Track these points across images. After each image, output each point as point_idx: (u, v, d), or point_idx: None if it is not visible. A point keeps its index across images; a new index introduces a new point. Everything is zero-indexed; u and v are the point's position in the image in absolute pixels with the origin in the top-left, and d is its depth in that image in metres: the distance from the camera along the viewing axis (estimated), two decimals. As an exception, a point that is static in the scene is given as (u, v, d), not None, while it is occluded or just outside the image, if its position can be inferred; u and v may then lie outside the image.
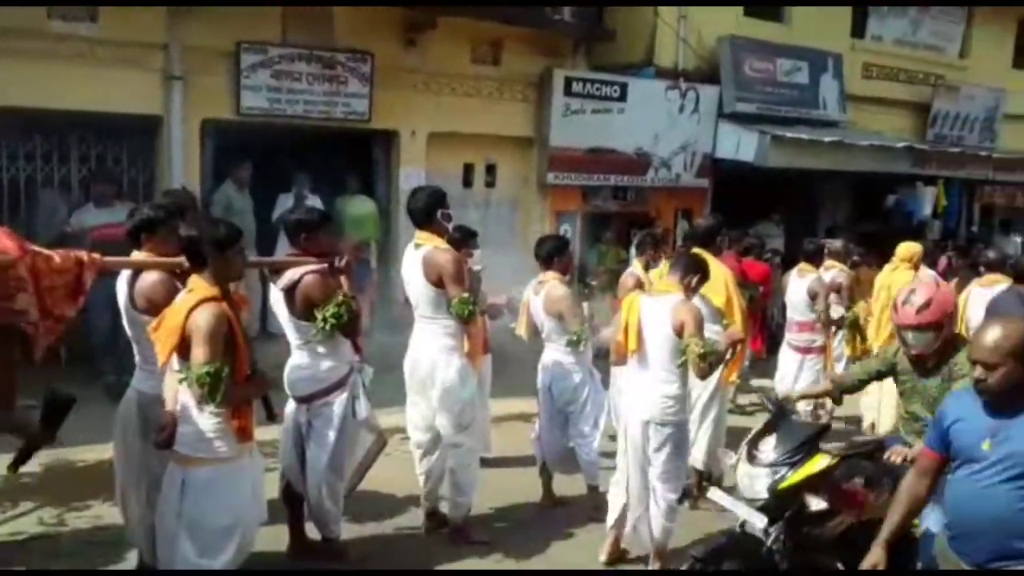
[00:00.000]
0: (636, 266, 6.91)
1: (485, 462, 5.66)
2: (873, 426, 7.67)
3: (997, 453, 2.91)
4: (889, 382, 6.97)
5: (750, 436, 4.18)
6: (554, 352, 5.60)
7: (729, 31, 11.77)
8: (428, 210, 4.87)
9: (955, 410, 3.11)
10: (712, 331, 5.60)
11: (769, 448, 4.03)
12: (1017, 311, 5.72)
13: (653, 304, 4.69)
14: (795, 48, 12.41)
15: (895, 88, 14.33)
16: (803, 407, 7.54)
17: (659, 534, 4.75)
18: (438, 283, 4.82)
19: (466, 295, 4.78)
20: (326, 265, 4.42)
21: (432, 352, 4.92)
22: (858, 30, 13.68)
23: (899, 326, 4.13)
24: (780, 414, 4.25)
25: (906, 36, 14.30)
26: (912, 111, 14.64)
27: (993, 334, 2.93)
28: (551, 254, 5.70)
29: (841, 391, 4.56)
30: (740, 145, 11.37)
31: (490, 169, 10.46)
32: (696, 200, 11.93)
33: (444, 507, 5.19)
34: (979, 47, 15.43)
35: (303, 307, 4.38)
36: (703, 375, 4.58)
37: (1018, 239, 15.72)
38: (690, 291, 4.77)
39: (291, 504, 4.77)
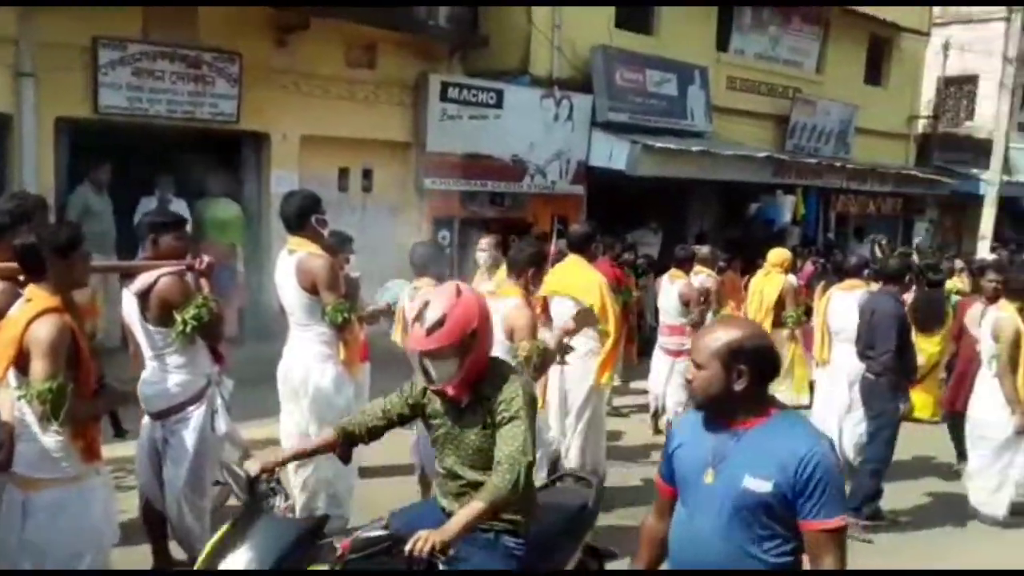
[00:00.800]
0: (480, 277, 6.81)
1: (364, 472, 5.50)
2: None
3: (718, 486, 2.44)
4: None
5: (212, 544, 2.83)
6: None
7: (601, 41, 11.97)
8: (301, 215, 4.73)
9: (681, 432, 2.66)
10: (589, 336, 5.67)
11: (240, 561, 2.69)
12: (893, 311, 6.00)
13: (491, 308, 4.72)
14: (664, 60, 12.74)
15: (757, 100, 14.94)
16: (672, 406, 7.80)
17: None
18: (312, 290, 4.70)
19: (341, 302, 4.66)
20: (183, 267, 4.22)
21: (306, 360, 4.79)
22: (722, 44, 14.20)
23: (415, 353, 3.15)
24: (251, 508, 2.91)
25: (766, 51, 14.93)
26: (773, 123, 15.29)
27: (709, 332, 2.54)
28: (426, 260, 5.62)
29: (350, 442, 3.23)
30: (613, 153, 11.57)
31: (367, 173, 10.26)
32: (572, 207, 12.06)
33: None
34: (834, 63, 16.30)
35: (159, 311, 4.11)
36: (534, 378, 4.58)
37: (883, 241, 16.67)
38: (529, 286, 4.83)
39: (151, 523, 4.51)
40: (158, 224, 4.29)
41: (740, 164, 12.84)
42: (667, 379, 7.82)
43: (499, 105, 10.81)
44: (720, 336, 2.47)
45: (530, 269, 4.87)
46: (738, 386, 2.43)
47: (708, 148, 12.41)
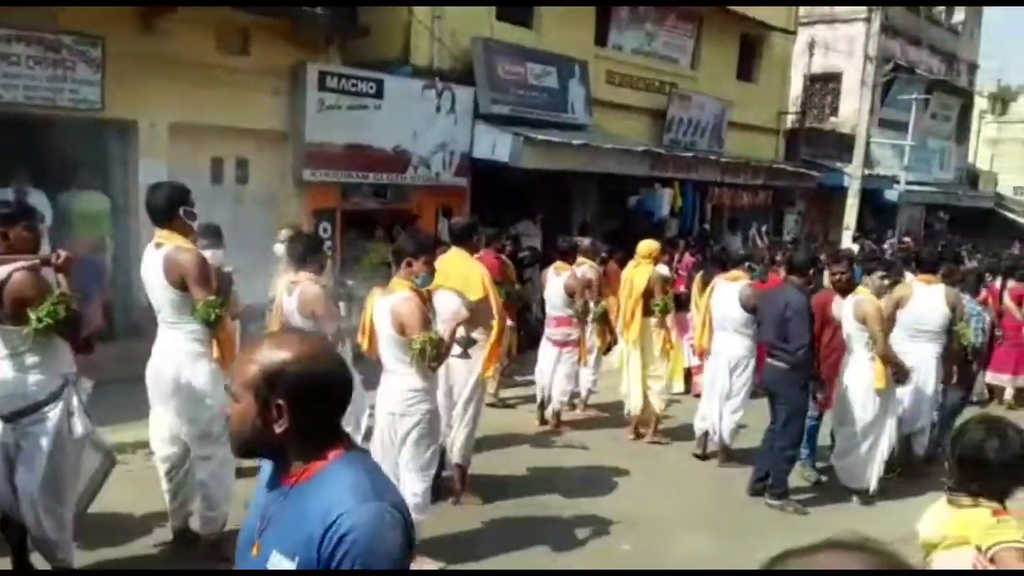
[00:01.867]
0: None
1: (241, 472, 5.32)
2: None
3: (259, 563, 1.81)
4: (635, 355, 7.68)
5: None
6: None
7: (482, 33, 11.96)
8: (169, 207, 4.52)
9: (258, 487, 1.97)
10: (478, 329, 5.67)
11: None
12: (805, 305, 6.25)
13: (381, 303, 4.77)
14: (544, 53, 12.85)
15: (635, 95, 15.27)
16: (558, 396, 7.92)
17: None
18: (181, 285, 4.49)
19: (212, 298, 4.48)
20: (37, 261, 3.99)
21: (177, 359, 4.59)
22: (601, 39, 14.43)
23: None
24: None
25: (643, 47, 15.27)
26: (650, 117, 15.66)
27: (247, 353, 1.87)
28: (304, 254, 5.48)
29: None
30: (496, 145, 11.58)
31: (241, 164, 9.91)
32: (456, 199, 12.02)
33: (195, 524, 4.84)
34: (707, 60, 16.83)
35: (12, 308, 3.90)
36: (432, 368, 4.67)
37: (763, 229, 17.31)
38: (413, 274, 4.80)
39: (9, 533, 4.25)
40: (5, 216, 4.05)
41: (620, 157, 13.07)
42: (553, 370, 7.96)
43: (379, 95, 10.64)
44: (257, 359, 1.81)
45: (420, 257, 4.79)
46: (279, 427, 1.79)
47: (589, 141, 12.58)
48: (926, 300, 7.08)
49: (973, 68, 28.96)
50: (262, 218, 9.84)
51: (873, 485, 6.66)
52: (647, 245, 7.96)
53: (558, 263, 8.16)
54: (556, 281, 7.98)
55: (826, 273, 7.89)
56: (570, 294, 7.86)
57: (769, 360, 6.47)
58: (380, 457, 4.64)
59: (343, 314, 5.95)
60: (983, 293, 9.43)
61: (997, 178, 33.53)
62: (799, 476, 6.98)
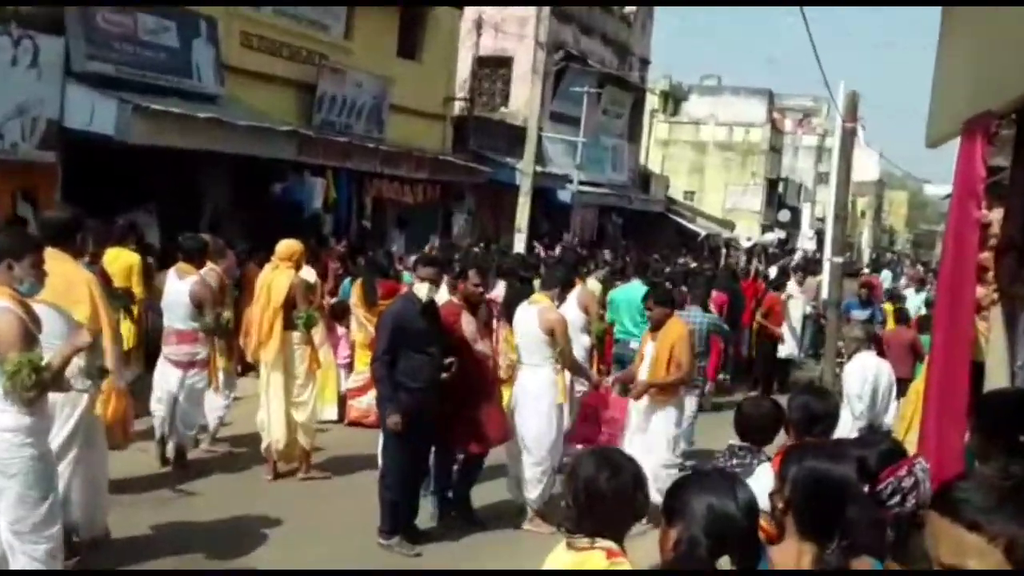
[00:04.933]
0: None
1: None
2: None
3: None
4: (275, 378, 7.47)
5: None
6: None
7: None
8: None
9: None
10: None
11: None
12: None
13: None
14: (160, 4, 12.16)
15: (278, 64, 15.01)
16: (183, 429, 7.42)
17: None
18: None
19: None
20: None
21: None
22: (233, -9, 13.95)
23: None
24: None
25: (286, 7, 14.97)
26: (298, 92, 15.48)
27: None
28: None
29: None
30: (96, 113, 10.82)
31: None
32: (44, 179, 10.93)
33: None
34: (363, 30, 16.96)
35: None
36: (27, 403, 4.38)
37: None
38: (15, 279, 4.48)
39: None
40: None
41: (260, 137, 12.82)
42: (175, 397, 7.61)
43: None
44: None
45: (24, 258, 4.49)
46: None
47: (220, 116, 12.15)
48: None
49: (645, 63, 32.17)
50: None
51: (539, 502, 7.13)
52: (288, 246, 7.86)
53: (181, 264, 7.83)
54: (179, 287, 7.63)
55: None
56: (197, 304, 7.53)
57: None
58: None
59: None
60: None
61: (669, 181, 37.54)
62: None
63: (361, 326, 9.58)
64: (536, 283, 9.78)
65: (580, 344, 8.59)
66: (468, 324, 6.93)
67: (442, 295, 7.68)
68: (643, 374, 7.47)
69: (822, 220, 54.99)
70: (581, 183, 23.51)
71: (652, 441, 7.35)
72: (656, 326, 7.50)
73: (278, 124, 13.45)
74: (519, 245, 20.34)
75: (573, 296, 8.72)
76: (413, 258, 10.85)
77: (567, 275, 8.19)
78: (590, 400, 8.36)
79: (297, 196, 15.06)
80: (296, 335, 7.69)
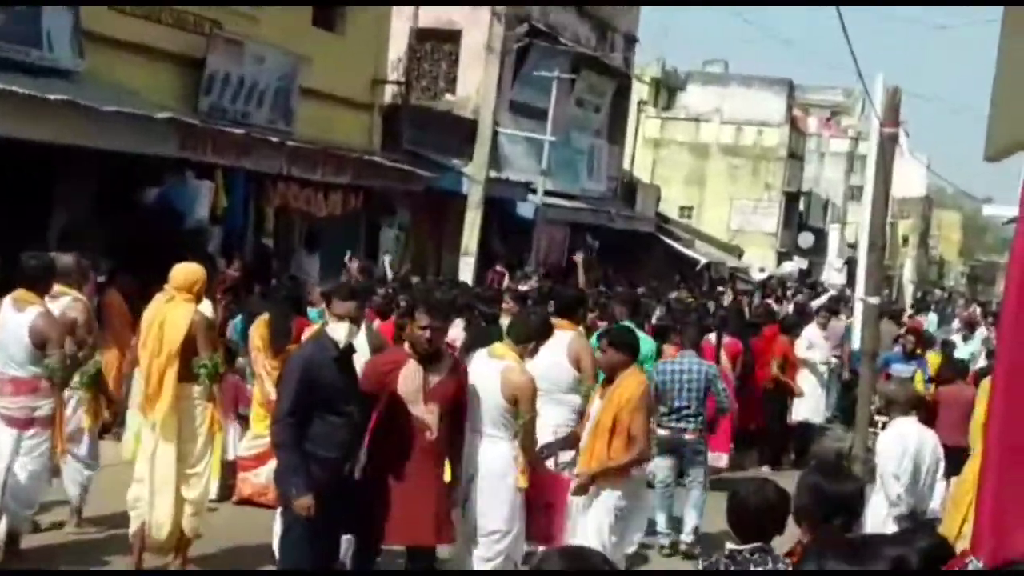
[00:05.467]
0: None
1: None
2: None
3: None
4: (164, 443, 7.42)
5: None
6: None
7: None
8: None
9: None
10: None
11: None
12: None
13: None
14: None
15: (155, 31, 14.98)
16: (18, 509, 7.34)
17: None
18: None
19: None
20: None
21: None
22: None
23: None
24: None
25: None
26: (181, 69, 15.49)
27: None
28: None
29: None
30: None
31: None
32: None
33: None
34: (270, -8, 16.94)
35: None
36: None
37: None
38: None
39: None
40: None
41: (130, 126, 12.74)
42: (9, 464, 7.47)
43: None
44: None
45: None
46: None
47: (78, 98, 12.04)
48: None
49: (631, 42, 32.53)
50: None
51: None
52: (188, 273, 7.89)
53: (20, 293, 7.67)
54: (17, 320, 7.55)
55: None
56: (39, 344, 7.46)
57: None
58: None
59: None
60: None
61: (660, 192, 37.88)
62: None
63: (259, 378, 9.48)
64: (504, 321, 9.79)
65: (568, 408, 8.50)
66: (409, 380, 6.77)
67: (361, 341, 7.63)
68: (585, 440, 7.55)
69: (853, 247, 55.66)
70: (548, 193, 23.60)
71: (583, 525, 7.40)
72: (608, 378, 7.55)
73: (154, 110, 13.36)
74: (466, 272, 20.34)
75: (561, 344, 8.59)
76: (320, 289, 10.75)
77: (542, 324, 8.00)
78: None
79: (177, 203, 14.94)
80: (196, 389, 7.65)
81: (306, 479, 6.23)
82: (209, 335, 7.87)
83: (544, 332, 7.88)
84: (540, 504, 7.71)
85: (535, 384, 7.29)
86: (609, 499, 7.43)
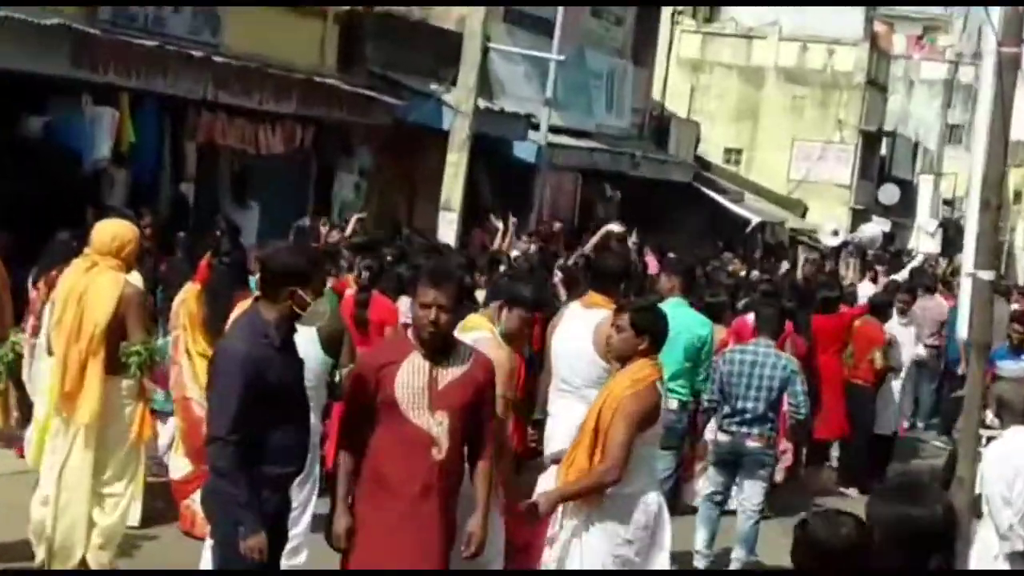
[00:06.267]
0: None
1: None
2: None
3: None
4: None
5: None
6: None
7: None
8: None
9: None
10: None
11: None
12: None
13: None
14: None
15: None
16: None
17: None
18: None
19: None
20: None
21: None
22: None
23: None
24: None
25: None
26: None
27: None
28: None
29: None
30: None
31: None
32: None
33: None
34: None
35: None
36: None
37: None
38: None
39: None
40: None
41: (8, 36, 12.83)
42: None
43: None
44: None
45: None
46: None
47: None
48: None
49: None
50: None
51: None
52: (114, 231, 8.07)
53: None
54: None
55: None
56: None
57: None
58: None
59: None
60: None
61: (700, 130, 37.81)
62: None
63: (193, 371, 9.36)
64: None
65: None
66: (410, 379, 6.37)
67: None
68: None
69: (950, 204, 55.69)
70: (553, 130, 23.58)
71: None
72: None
73: (40, 16, 13.38)
74: (447, 232, 20.24)
75: (589, 326, 8.35)
76: (257, 253, 10.52)
77: (539, 290, 8.05)
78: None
79: (69, 138, 14.97)
80: (125, 382, 7.76)
81: (257, 514, 5.90)
82: (142, 313, 7.90)
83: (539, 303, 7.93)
84: (518, 544, 7.59)
85: (506, 364, 7.19)
86: (603, 542, 7.02)
